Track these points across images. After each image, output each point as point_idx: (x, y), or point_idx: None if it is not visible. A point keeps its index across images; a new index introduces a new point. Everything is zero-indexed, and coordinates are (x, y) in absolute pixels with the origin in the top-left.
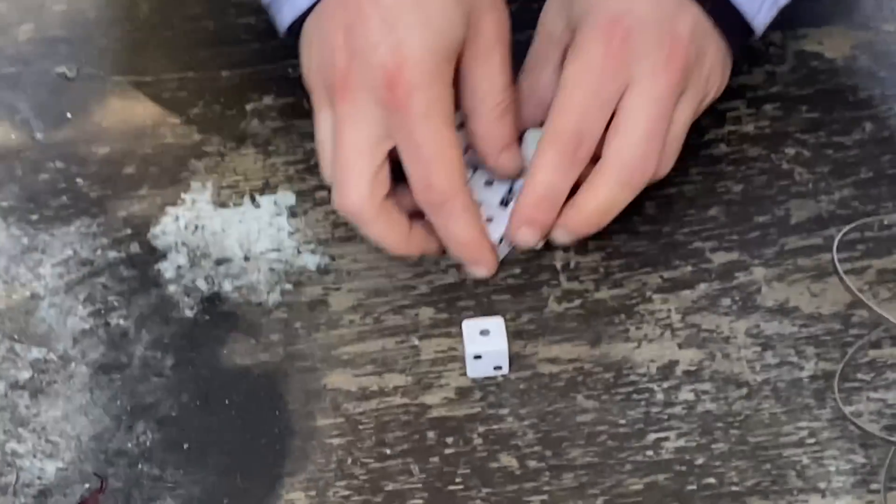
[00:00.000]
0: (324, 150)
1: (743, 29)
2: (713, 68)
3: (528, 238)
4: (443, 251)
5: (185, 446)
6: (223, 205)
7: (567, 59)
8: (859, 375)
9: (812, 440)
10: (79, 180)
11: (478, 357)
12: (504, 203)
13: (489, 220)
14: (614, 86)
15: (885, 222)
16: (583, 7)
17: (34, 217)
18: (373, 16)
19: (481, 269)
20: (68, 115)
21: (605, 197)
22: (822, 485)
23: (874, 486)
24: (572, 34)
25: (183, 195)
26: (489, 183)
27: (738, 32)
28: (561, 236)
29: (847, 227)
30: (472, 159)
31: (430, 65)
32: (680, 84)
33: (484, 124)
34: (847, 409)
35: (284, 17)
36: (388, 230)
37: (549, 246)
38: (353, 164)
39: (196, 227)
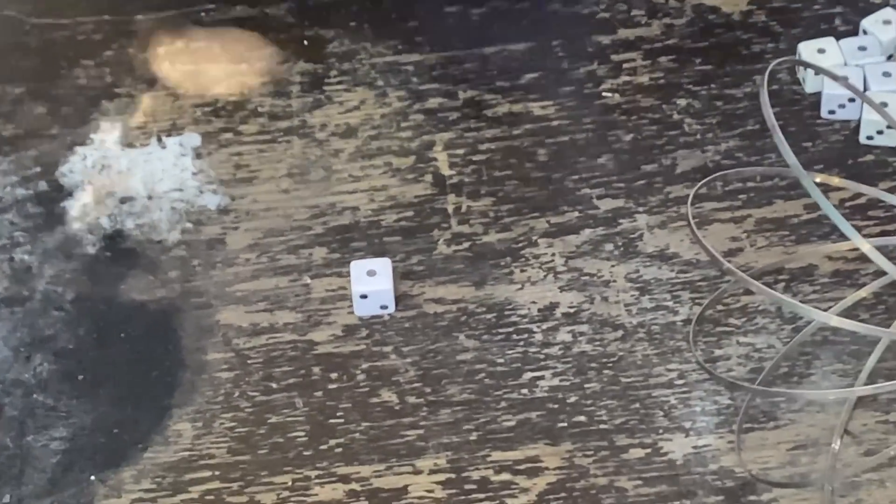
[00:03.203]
0: None
1: None
2: None
3: None
4: None
5: (80, 377)
6: (130, 145)
7: None
8: (731, 320)
9: (681, 381)
10: None
11: (364, 297)
12: None
13: None
14: None
15: (736, 177)
16: None
17: None
18: None
19: None
20: None
21: None
22: (686, 424)
23: (736, 427)
24: None
25: (92, 135)
26: None
27: None
28: None
29: (700, 184)
30: None
31: None
32: None
33: None
34: (716, 353)
35: None
36: None
37: (443, 189)
38: None
39: (103, 167)
